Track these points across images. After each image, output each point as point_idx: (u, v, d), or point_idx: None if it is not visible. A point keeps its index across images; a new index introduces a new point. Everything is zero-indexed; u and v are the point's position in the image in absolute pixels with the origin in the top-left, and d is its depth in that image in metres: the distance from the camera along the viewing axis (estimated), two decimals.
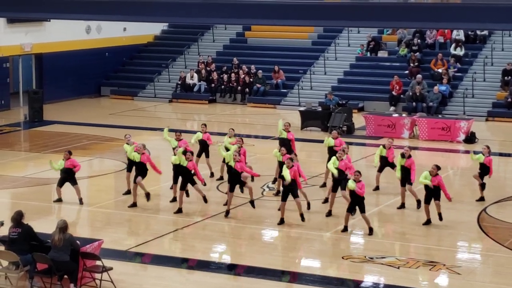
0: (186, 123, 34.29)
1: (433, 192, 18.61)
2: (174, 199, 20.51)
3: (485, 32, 36.72)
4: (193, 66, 39.32)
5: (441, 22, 18.02)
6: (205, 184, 21.41)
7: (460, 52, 36.22)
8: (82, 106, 36.99)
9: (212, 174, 23.05)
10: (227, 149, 21.07)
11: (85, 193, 21.01)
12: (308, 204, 19.78)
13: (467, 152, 27.02)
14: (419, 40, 36.90)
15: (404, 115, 30.72)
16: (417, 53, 36.43)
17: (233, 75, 37.50)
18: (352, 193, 18.04)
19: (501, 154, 26.94)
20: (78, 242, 14.88)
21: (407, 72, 35.93)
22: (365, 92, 35.63)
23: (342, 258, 17.00)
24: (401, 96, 34.29)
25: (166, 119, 34.47)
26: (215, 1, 19.23)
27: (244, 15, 19.02)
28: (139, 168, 20.19)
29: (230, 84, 37.46)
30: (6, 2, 21.23)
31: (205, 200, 20.02)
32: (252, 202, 19.59)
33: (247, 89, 37.04)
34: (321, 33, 39.83)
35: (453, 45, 36.50)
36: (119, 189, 21.91)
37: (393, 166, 21.13)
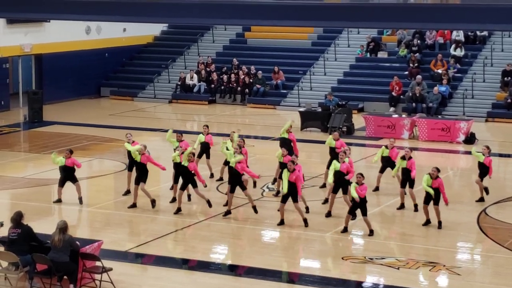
0: (186, 123, 34.28)
1: (433, 195, 18.57)
2: (173, 200, 20.50)
3: (485, 33, 36.72)
4: (193, 66, 39.32)
5: (440, 23, 18.03)
6: (205, 186, 21.43)
7: (459, 53, 36.22)
8: (82, 106, 36.98)
9: (212, 175, 23.05)
10: (227, 149, 21.09)
11: (85, 194, 21.00)
12: (307, 208, 19.76)
13: (467, 152, 27.06)
14: (418, 41, 36.91)
15: (404, 115, 30.72)
16: (417, 54, 36.44)
17: (233, 75, 37.51)
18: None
19: (500, 155, 26.94)
20: (77, 242, 14.88)
21: (406, 73, 35.94)
22: (365, 93, 35.63)
23: (342, 258, 16.99)
24: (401, 96, 34.29)
25: (166, 119, 34.48)
26: (215, 1, 19.23)
27: (244, 16, 19.04)
28: (139, 169, 20.17)
29: (230, 85, 37.47)
30: (6, 2, 21.24)
31: (210, 205, 19.92)
32: (254, 208, 19.56)
33: (247, 90, 37.04)
34: (321, 33, 39.84)
35: (453, 45, 36.50)
36: (118, 190, 21.90)
37: (394, 167, 21.17)
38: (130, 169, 21.15)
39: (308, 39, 39.96)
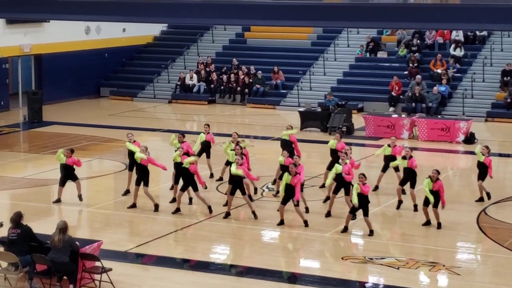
0: (186, 124, 34.27)
1: (433, 198, 18.56)
2: (173, 200, 20.49)
3: (484, 33, 36.73)
4: (193, 67, 39.33)
5: (440, 23, 18.03)
6: (206, 188, 21.40)
7: (459, 52, 36.23)
8: (81, 107, 36.98)
9: (211, 175, 23.04)
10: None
11: (85, 194, 20.99)
12: (306, 208, 19.76)
13: (466, 152, 27.09)
14: (418, 41, 36.91)
15: (403, 115, 30.72)
16: (417, 54, 36.44)
17: (232, 75, 37.51)
18: (359, 195, 18.04)
19: (500, 155, 26.94)
20: (77, 243, 14.88)
21: (406, 72, 35.94)
22: (364, 93, 35.64)
23: (342, 258, 16.99)
24: (401, 96, 34.29)
25: (166, 119, 34.48)
26: (215, 1, 19.23)
27: (243, 16, 19.03)
28: (140, 170, 20.13)
29: (230, 85, 37.47)
30: (6, 3, 21.23)
31: (210, 210, 19.88)
32: (253, 213, 19.53)
33: (246, 90, 37.04)
34: (321, 33, 39.84)
35: (453, 45, 36.51)
36: (118, 190, 21.90)
37: (396, 167, 21.21)
38: (130, 169, 21.15)
39: (308, 39, 39.96)
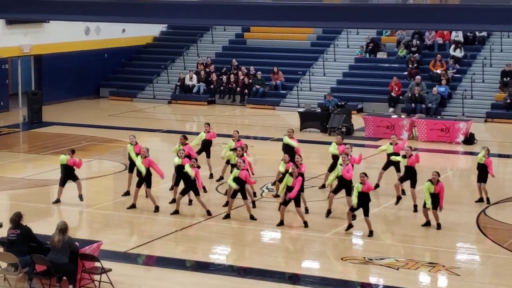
0: (185, 124, 34.27)
1: (433, 200, 18.54)
2: (173, 201, 20.47)
3: (484, 33, 36.72)
4: (192, 67, 39.31)
5: (440, 23, 18.05)
6: (205, 191, 21.33)
7: (459, 53, 36.22)
8: (81, 107, 36.97)
9: (211, 175, 23.01)
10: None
11: (84, 194, 20.95)
12: (306, 209, 19.75)
13: (466, 153, 27.08)
14: (418, 41, 36.91)
15: (403, 116, 30.73)
16: (416, 54, 36.43)
17: (232, 76, 37.50)
18: (359, 194, 18.05)
19: (500, 155, 26.93)
20: (77, 243, 14.87)
21: (406, 73, 35.93)
22: (364, 93, 35.63)
23: (342, 259, 16.99)
24: (400, 97, 34.29)
25: (165, 120, 34.47)
26: (214, 2, 19.23)
27: (243, 16, 19.04)
28: (140, 171, 20.10)
29: (229, 85, 37.46)
30: (5, 3, 21.23)
31: (209, 214, 19.84)
32: (251, 216, 19.50)
33: (246, 90, 37.03)
34: (320, 34, 39.83)
35: (452, 46, 36.51)
36: (118, 191, 21.89)
37: (398, 167, 21.21)
38: (130, 170, 21.14)
39: (308, 40, 39.95)
